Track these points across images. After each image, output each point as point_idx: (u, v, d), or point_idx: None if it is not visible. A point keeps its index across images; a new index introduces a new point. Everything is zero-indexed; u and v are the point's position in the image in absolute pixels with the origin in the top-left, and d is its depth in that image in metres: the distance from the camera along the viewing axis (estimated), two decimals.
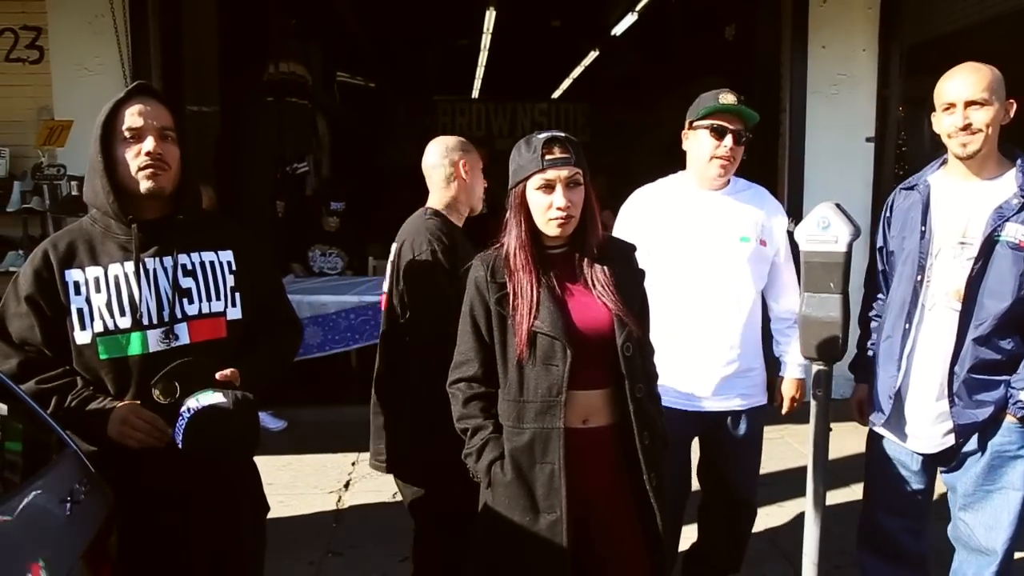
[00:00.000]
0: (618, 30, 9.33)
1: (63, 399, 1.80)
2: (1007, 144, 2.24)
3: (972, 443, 2.22)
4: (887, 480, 2.39)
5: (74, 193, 4.79)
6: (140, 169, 1.82)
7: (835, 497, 3.29)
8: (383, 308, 2.58)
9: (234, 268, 1.97)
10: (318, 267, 6.09)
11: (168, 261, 1.89)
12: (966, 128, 2.13)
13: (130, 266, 1.85)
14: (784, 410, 2.76)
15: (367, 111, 11.32)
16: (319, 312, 5.12)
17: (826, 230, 2.19)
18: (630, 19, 8.78)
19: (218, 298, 1.93)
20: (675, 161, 2.74)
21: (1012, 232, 2.10)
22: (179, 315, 1.88)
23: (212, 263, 1.95)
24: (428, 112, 13.18)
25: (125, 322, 1.84)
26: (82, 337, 1.83)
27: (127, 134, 1.83)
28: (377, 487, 4.13)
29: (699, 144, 2.52)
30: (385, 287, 2.56)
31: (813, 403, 2.31)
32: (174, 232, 1.90)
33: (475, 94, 13.77)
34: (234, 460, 1.93)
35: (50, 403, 1.80)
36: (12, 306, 1.84)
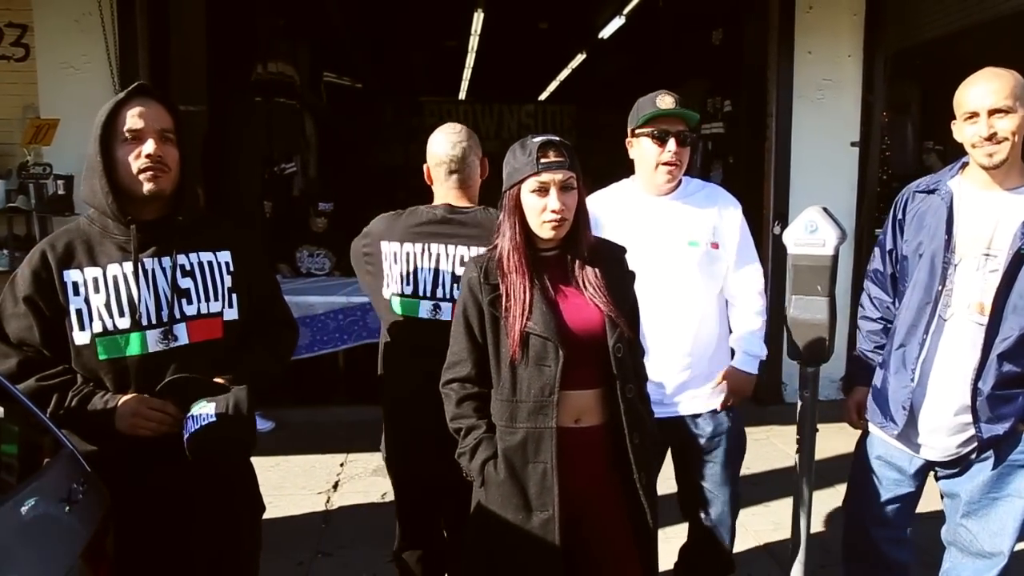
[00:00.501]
0: (605, 33, 9.38)
1: (64, 396, 1.79)
2: None
3: (987, 452, 2.17)
4: (875, 487, 2.35)
5: (60, 192, 4.77)
6: (141, 171, 1.82)
7: (821, 497, 3.33)
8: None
9: (232, 269, 1.98)
10: (306, 268, 6.08)
11: (167, 261, 1.89)
12: (991, 138, 2.05)
13: (129, 267, 1.85)
14: (718, 405, 2.53)
15: (354, 112, 11.30)
16: (307, 313, 5.11)
17: (814, 234, 2.23)
18: (618, 22, 8.83)
19: (216, 299, 1.93)
20: None
21: None
22: (178, 315, 1.88)
23: (210, 263, 1.95)
24: (415, 113, 13.15)
25: (124, 323, 1.83)
26: (81, 338, 1.82)
27: (127, 135, 1.82)
28: (366, 488, 4.14)
29: (643, 152, 2.48)
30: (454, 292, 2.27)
31: (800, 404, 2.35)
32: (172, 233, 1.90)
33: (462, 95, 13.76)
34: (233, 462, 1.93)
35: (50, 401, 1.79)
36: (10, 306, 1.83)
